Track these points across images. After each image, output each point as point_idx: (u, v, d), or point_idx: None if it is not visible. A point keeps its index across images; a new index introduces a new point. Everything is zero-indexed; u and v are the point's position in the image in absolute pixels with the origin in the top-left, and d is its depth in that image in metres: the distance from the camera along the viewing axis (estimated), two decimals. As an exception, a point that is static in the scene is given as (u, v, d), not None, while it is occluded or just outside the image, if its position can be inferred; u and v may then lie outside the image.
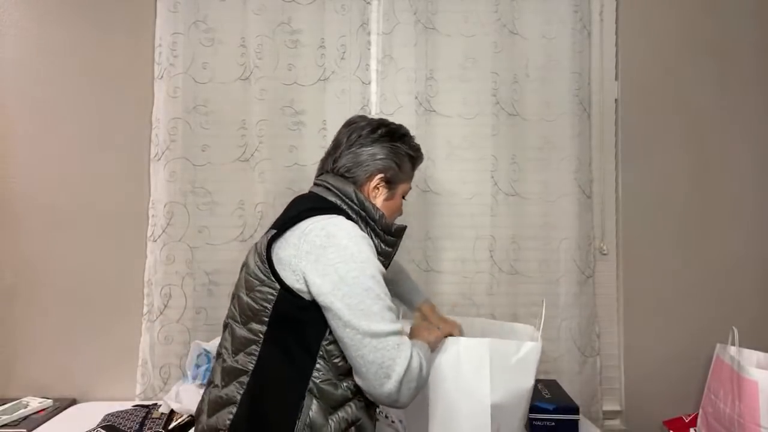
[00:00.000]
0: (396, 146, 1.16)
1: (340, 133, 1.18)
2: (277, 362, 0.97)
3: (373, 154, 1.13)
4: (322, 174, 1.17)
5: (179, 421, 1.39)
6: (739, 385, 1.33)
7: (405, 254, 1.64)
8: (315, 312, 0.97)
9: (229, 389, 0.99)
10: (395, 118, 1.63)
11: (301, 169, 1.67)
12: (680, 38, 1.73)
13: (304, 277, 0.96)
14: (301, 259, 0.96)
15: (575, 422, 1.39)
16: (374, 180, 1.14)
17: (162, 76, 1.64)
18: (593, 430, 1.43)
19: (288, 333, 0.98)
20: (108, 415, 1.45)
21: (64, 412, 1.55)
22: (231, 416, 0.96)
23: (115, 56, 1.67)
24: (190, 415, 1.39)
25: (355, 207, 1.08)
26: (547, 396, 1.46)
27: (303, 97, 1.67)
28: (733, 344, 1.43)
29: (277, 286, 0.97)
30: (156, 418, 1.42)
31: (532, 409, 1.25)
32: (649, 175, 1.72)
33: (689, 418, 1.57)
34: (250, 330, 0.99)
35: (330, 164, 1.16)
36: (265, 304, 0.98)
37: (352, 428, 0.99)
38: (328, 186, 1.11)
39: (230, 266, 1.66)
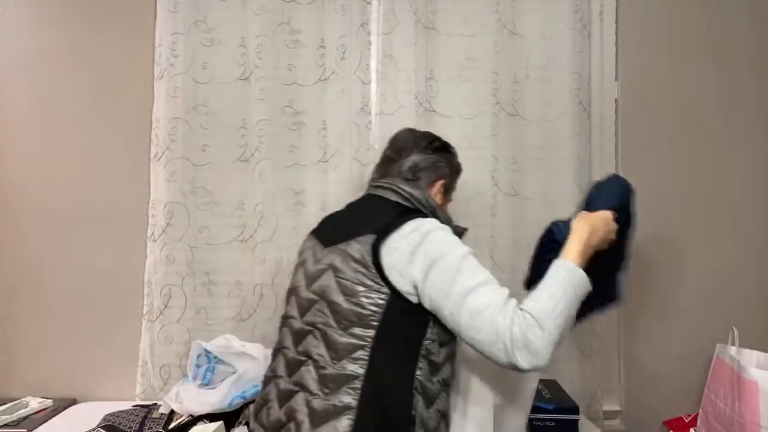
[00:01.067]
0: (451, 157, 1.27)
1: (399, 140, 1.27)
2: (387, 365, 0.98)
3: (436, 161, 1.22)
4: (383, 178, 1.21)
5: (179, 421, 1.39)
6: (739, 385, 1.33)
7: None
8: (420, 313, 1.00)
9: (340, 396, 0.96)
10: (395, 118, 1.66)
11: (301, 169, 1.67)
12: (680, 38, 1.73)
13: (413, 280, 0.99)
14: (408, 261, 0.99)
15: (575, 422, 1.39)
16: (436, 186, 1.22)
17: (162, 76, 1.64)
18: (593, 430, 1.43)
19: (395, 335, 0.99)
20: (108, 415, 1.45)
21: (64, 412, 1.55)
22: (351, 423, 0.94)
23: (115, 56, 1.67)
24: (191, 415, 1.39)
25: (428, 211, 1.13)
26: (547, 396, 1.46)
27: (303, 97, 1.67)
28: (733, 344, 1.43)
29: (387, 290, 0.99)
30: (156, 418, 1.42)
31: (532, 409, 1.25)
32: (649, 175, 1.72)
33: (689, 418, 1.57)
34: (354, 335, 0.99)
35: (395, 169, 1.21)
36: (375, 309, 0.99)
37: (442, 418, 1.04)
38: (400, 191, 1.14)
39: (230, 266, 1.66)
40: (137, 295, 1.64)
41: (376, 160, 1.64)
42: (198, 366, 1.50)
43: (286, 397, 1.04)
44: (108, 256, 1.66)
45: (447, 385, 1.05)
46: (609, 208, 1.13)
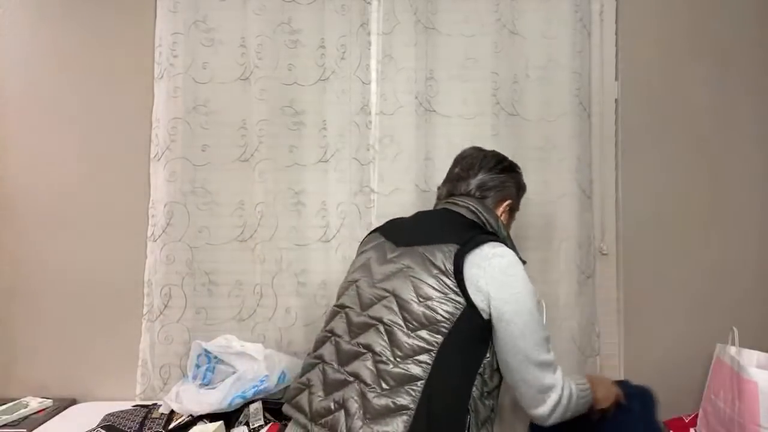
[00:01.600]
0: (518, 176, 1.31)
1: (467, 158, 1.30)
2: (449, 374, 0.99)
3: (504, 181, 1.26)
4: (453, 195, 1.26)
5: (179, 421, 1.39)
6: (739, 385, 1.33)
7: (405, 254, 1.64)
8: (486, 331, 1.04)
9: (398, 396, 0.96)
10: (395, 118, 1.66)
11: (301, 169, 1.67)
12: (680, 38, 1.73)
13: (488, 299, 1.02)
14: (488, 282, 1.03)
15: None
16: (503, 205, 1.26)
17: (162, 76, 1.64)
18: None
19: (462, 346, 1.01)
20: (108, 415, 1.45)
21: (64, 412, 1.55)
22: (406, 425, 0.94)
23: (115, 56, 1.67)
24: (191, 415, 1.39)
25: (500, 239, 1.16)
26: None
27: (303, 97, 1.67)
28: (733, 344, 1.43)
29: (464, 301, 1.01)
30: (156, 418, 1.42)
31: None
32: (649, 175, 1.72)
33: (689, 418, 1.57)
34: (422, 338, 0.99)
35: (463, 187, 1.25)
36: (447, 316, 1.00)
37: None
38: (476, 211, 1.19)
39: (230, 266, 1.66)
40: (137, 295, 1.64)
41: (377, 160, 1.67)
42: (198, 366, 1.50)
43: (336, 385, 1.03)
44: (108, 256, 1.66)
45: (493, 411, 1.08)
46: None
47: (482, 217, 1.18)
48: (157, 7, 1.66)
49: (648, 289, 1.72)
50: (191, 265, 1.65)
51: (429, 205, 1.67)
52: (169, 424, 1.38)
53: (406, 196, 1.66)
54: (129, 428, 1.37)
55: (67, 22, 1.67)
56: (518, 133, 1.68)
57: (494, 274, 1.03)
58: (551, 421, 1.06)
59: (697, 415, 1.54)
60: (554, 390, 1.04)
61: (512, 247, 1.17)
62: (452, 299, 1.01)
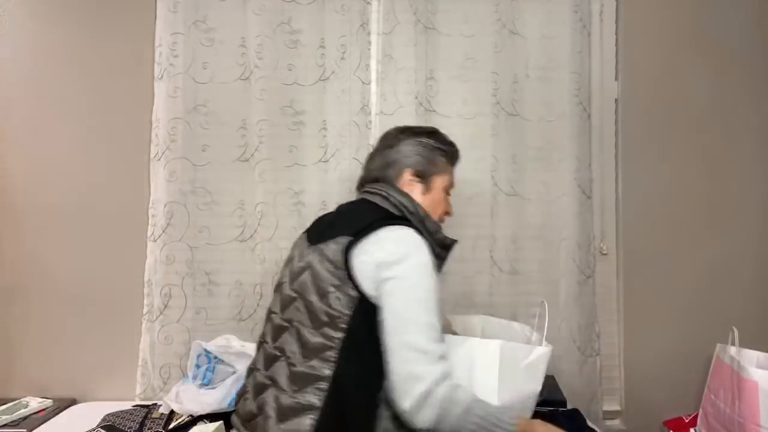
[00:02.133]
0: (422, 141, 1.21)
1: (378, 141, 1.27)
2: (354, 369, 0.98)
3: (400, 151, 1.19)
4: (368, 183, 1.22)
5: (179, 421, 1.39)
6: (739, 385, 1.33)
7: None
8: None
9: (306, 395, 0.97)
10: (395, 118, 1.66)
11: (301, 169, 1.67)
12: (680, 38, 1.73)
13: (376, 282, 0.99)
14: (377, 264, 0.99)
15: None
16: (405, 175, 1.18)
17: (162, 76, 1.64)
18: (593, 429, 1.43)
19: (364, 340, 0.99)
20: (108, 415, 1.45)
21: (64, 412, 1.55)
22: (313, 422, 0.95)
23: (115, 56, 1.67)
24: (191, 415, 1.39)
25: (416, 219, 1.12)
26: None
27: (303, 97, 1.67)
28: (733, 344, 1.43)
29: (356, 293, 0.99)
30: (156, 418, 1.42)
31: None
32: (649, 175, 1.72)
33: (689, 418, 1.57)
34: (324, 335, 0.99)
35: (374, 172, 1.21)
36: (344, 311, 0.99)
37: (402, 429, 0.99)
38: (389, 197, 1.14)
39: (230, 266, 1.66)
40: (137, 295, 1.64)
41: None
42: (198, 366, 1.50)
43: (260, 389, 1.05)
44: (108, 256, 1.66)
45: None
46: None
47: (394, 201, 1.13)
48: (157, 7, 1.66)
49: (648, 289, 1.72)
50: (191, 265, 1.65)
51: (429, 205, 1.67)
52: (169, 424, 1.38)
53: (406, 196, 1.65)
54: (129, 428, 1.37)
55: (67, 22, 1.67)
56: (518, 133, 1.68)
57: (382, 256, 0.99)
58: (421, 422, 0.92)
59: (697, 415, 1.54)
60: (422, 381, 0.91)
61: (431, 227, 1.12)
62: (347, 293, 0.99)
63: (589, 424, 1.46)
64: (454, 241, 1.18)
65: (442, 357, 0.95)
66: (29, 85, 1.66)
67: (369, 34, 1.68)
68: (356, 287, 0.99)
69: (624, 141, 1.73)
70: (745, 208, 1.73)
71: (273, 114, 1.65)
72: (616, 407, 1.73)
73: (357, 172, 1.64)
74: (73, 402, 1.62)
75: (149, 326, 1.62)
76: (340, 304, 0.99)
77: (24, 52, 1.67)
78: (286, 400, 0.98)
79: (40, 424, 1.45)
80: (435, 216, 1.19)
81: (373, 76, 1.68)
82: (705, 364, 1.59)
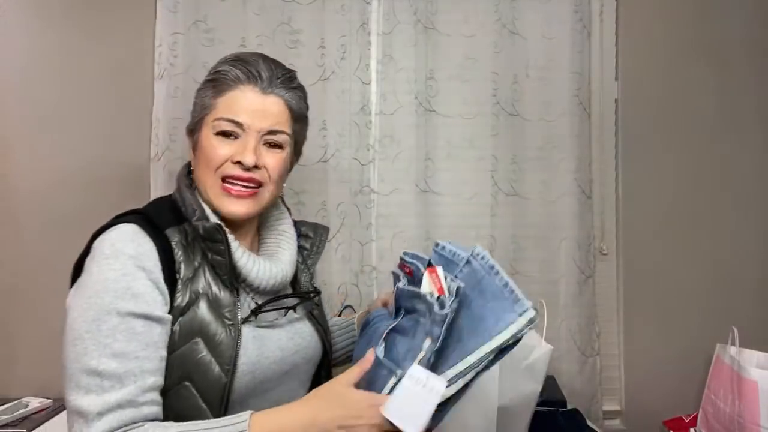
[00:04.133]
0: (197, 89, 0.93)
1: None
2: None
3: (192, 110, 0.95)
4: None
5: (179, 421, 1.39)
6: (739, 385, 1.33)
7: (405, 254, 1.64)
8: None
9: None
10: (395, 118, 1.66)
11: (301, 170, 1.66)
12: (680, 38, 1.73)
13: None
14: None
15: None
16: (191, 145, 0.93)
17: (162, 76, 1.64)
18: (593, 429, 1.43)
19: None
20: (108, 415, 1.45)
21: (64, 412, 1.54)
22: None
23: (115, 56, 1.66)
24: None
25: (189, 211, 0.87)
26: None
27: (303, 97, 1.67)
28: (733, 344, 1.43)
29: None
30: (156, 418, 1.41)
31: None
32: (649, 175, 1.72)
33: (689, 418, 1.57)
34: None
35: None
36: None
37: None
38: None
39: (230, 266, 1.65)
40: (137, 295, 1.64)
41: (376, 160, 1.67)
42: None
43: None
44: (108, 256, 1.65)
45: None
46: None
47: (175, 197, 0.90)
48: (157, 7, 1.65)
49: (648, 289, 1.72)
50: (191, 265, 1.64)
51: (429, 204, 1.67)
52: (169, 424, 1.38)
53: (406, 196, 1.65)
54: (129, 428, 1.37)
55: (67, 21, 1.66)
56: (518, 133, 1.68)
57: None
58: None
59: (697, 415, 1.54)
60: None
61: (188, 213, 0.85)
62: None
63: (589, 424, 1.46)
64: (217, 225, 0.83)
65: (105, 416, 0.75)
66: (28, 85, 1.66)
67: (369, 34, 1.67)
68: None
69: (624, 141, 1.73)
70: (746, 207, 1.73)
71: (273, 114, 1.65)
72: (616, 407, 1.73)
73: (357, 172, 1.66)
74: (73, 402, 1.61)
75: (149, 326, 1.62)
76: None
77: (23, 51, 1.66)
78: None
79: (40, 424, 1.45)
80: (206, 177, 0.86)
81: (373, 76, 1.68)
82: (705, 364, 1.59)
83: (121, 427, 0.72)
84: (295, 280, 1.01)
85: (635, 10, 1.73)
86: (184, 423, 0.74)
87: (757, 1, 1.74)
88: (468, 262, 0.83)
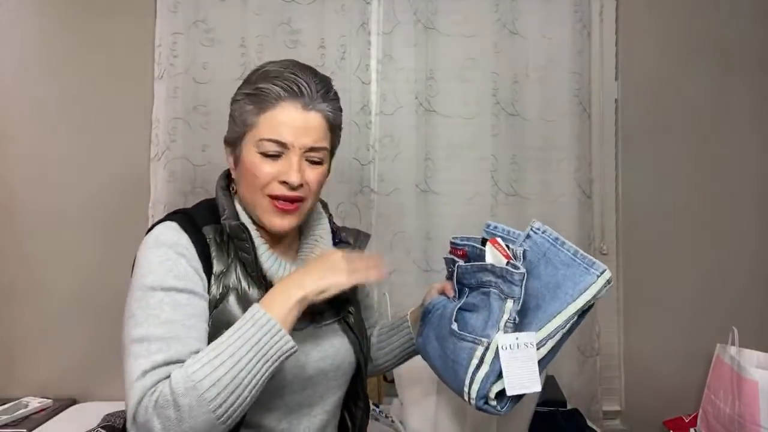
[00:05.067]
0: (234, 99, 0.92)
1: None
2: None
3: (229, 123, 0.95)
4: None
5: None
6: (739, 385, 1.33)
7: (405, 255, 1.64)
8: None
9: None
10: (395, 118, 1.66)
11: (301, 169, 1.67)
12: (680, 38, 1.73)
13: None
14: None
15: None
16: (230, 160, 0.94)
17: (162, 76, 1.64)
18: (593, 429, 1.43)
19: None
20: (108, 415, 1.45)
21: (64, 412, 1.55)
22: None
23: (115, 56, 1.67)
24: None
25: (222, 212, 0.91)
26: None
27: (303, 97, 1.67)
28: (733, 344, 1.43)
29: None
30: (156, 418, 1.41)
31: None
32: (649, 175, 1.72)
33: (689, 418, 1.57)
34: None
35: None
36: None
37: None
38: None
39: (230, 266, 1.66)
40: (137, 295, 1.64)
41: (376, 160, 1.67)
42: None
43: None
44: (108, 256, 1.65)
45: None
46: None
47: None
48: (157, 7, 1.65)
49: (648, 289, 1.72)
50: (191, 265, 1.64)
51: (429, 204, 1.67)
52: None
53: (406, 196, 1.66)
54: (129, 428, 1.37)
55: (67, 22, 1.67)
56: (518, 133, 1.68)
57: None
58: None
59: (697, 415, 1.54)
60: (131, 392, 0.73)
61: (224, 225, 0.88)
62: None
63: (589, 424, 1.46)
64: (235, 225, 0.88)
65: (150, 360, 0.75)
66: (29, 85, 1.66)
67: (369, 34, 1.68)
68: None
69: (624, 141, 1.73)
70: (745, 207, 1.73)
71: (273, 114, 1.65)
72: (616, 407, 1.73)
73: (357, 172, 1.66)
74: (73, 402, 1.61)
75: (149, 326, 1.62)
76: None
77: (23, 51, 1.66)
78: None
79: (40, 424, 1.45)
80: (252, 195, 0.88)
81: (373, 76, 1.68)
82: (705, 364, 1.59)
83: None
84: None
85: (635, 10, 1.74)
86: (207, 347, 0.76)
87: (757, 1, 1.74)
88: (528, 236, 0.88)
